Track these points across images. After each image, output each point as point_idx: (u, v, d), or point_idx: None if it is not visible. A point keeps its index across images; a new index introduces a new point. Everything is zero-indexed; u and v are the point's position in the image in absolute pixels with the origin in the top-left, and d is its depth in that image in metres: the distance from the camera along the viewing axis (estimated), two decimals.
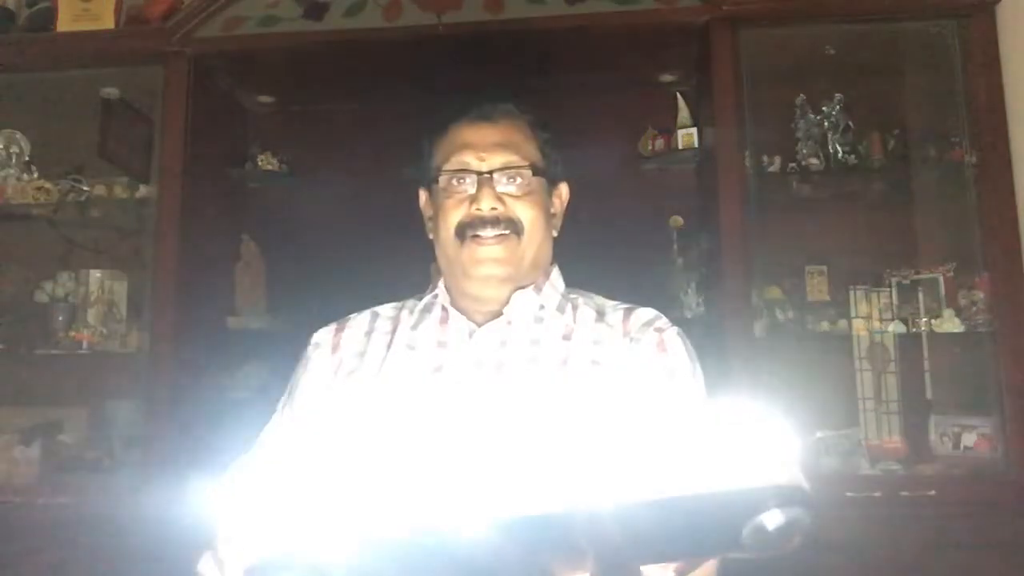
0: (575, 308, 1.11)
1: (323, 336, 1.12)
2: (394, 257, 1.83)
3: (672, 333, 1.07)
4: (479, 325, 1.08)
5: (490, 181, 1.06)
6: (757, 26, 2.06)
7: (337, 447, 0.92)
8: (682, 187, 2.39)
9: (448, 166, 1.08)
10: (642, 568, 0.47)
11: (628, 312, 1.10)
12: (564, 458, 0.43)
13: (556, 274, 1.15)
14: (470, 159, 1.07)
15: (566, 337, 1.07)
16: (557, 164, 1.15)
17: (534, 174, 1.08)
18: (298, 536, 0.43)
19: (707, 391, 1.07)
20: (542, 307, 1.10)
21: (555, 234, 1.15)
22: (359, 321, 1.13)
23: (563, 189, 1.18)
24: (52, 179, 2.25)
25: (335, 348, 1.10)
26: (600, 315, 1.10)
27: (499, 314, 1.08)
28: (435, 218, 1.11)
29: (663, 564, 0.50)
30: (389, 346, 1.08)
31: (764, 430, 0.43)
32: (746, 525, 0.42)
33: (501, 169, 1.07)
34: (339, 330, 1.13)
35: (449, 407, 0.99)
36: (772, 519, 0.42)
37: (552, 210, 1.14)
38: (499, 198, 1.06)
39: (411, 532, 0.42)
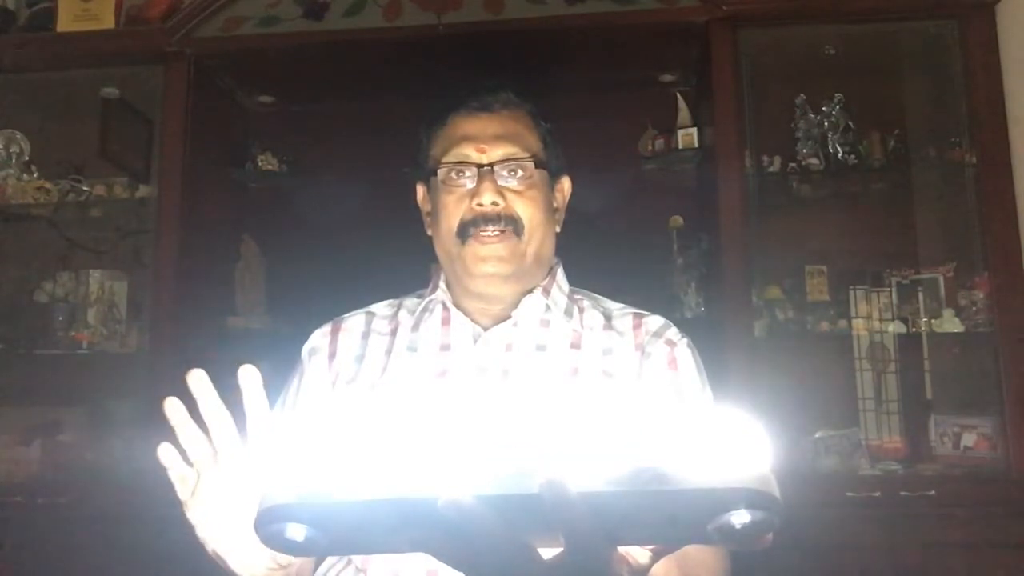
0: (581, 311, 1.09)
1: (318, 341, 1.08)
2: (394, 257, 1.82)
3: (683, 347, 1.05)
4: (484, 328, 1.06)
5: (491, 174, 1.03)
6: (757, 26, 2.07)
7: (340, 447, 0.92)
8: (682, 187, 2.39)
9: (447, 159, 1.05)
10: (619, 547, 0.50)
11: (638, 319, 1.08)
12: (548, 443, 0.46)
13: (561, 274, 1.13)
14: (470, 151, 1.04)
15: (575, 346, 1.04)
16: (559, 156, 1.12)
17: (536, 166, 1.05)
18: (301, 488, 0.46)
19: (708, 390, 1.06)
20: (548, 308, 1.07)
21: (557, 229, 1.12)
22: (354, 322, 1.10)
23: (565, 183, 1.15)
24: (52, 179, 2.25)
25: (332, 356, 1.06)
26: (607, 320, 1.08)
27: (505, 317, 1.06)
28: (434, 214, 1.08)
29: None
30: (389, 350, 1.05)
31: (741, 433, 0.45)
32: (713, 521, 0.45)
33: (502, 161, 1.03)
34: (334, 332, 1.09)
35: (454, 414, 0.97)
36: (739, 518, 0.44)
37: (554, 204, 1.12)
38: (500, 192, 1.02)
39: (404, 494, 0.45)
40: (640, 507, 0.45)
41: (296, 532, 0.46)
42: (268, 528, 0.47)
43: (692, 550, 0.82)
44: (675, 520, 0.46)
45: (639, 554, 0.53)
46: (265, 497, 0.47)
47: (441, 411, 0.97)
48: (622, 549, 0.51)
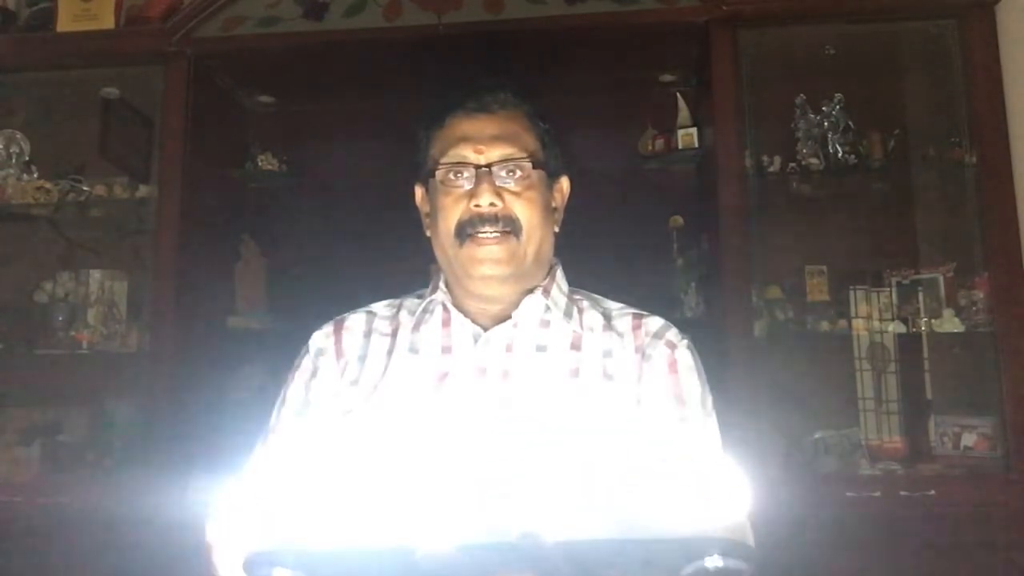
0: (581, 312, 1.09)
1: (324, 341, 1.09)
2: (394, 257, 1.83)
3: (683, 349, 1.05)
4: (484, 328, 1.06)
5: (489, 175, 1.02)
6: (757, 26, 2.06)
7: (340, 456, 0.92)
8: (682, 187, 2.39)
9: (445, 160, 1.05)
10: None
11: (637, 320, 1.08)
12: (538, 483, 0.48)
13: (560, 274, 1.13)
14: (468, 152, 1.04)
15: (575, 346, 1.04)
16: (557, 156, 1.12)
17: (534, 167, 1.05)
18: (289, 533, 0.47)
19: (709, 392, 1.06)
20: (548, 309, 1.07)
21: (556, 229, 1.12)
22: (356, 321, 1.10)
23: (564, 183, 1.15)
24: (52, 179, 2.24)
25: (339, 354, 1.07)
26: (607, 320, 1.08)
27: (505, 317, 1.06)
28: (432, 215, 1.08)
29: None
30: (391, 351, 1.05)
31: (720, 479, 0.47)
32: (687, 567, 0.47)
33: (500, 162, 1.03)
34: (337, 331, 1.09)
35: (456, 417, 0.96)
36: (712, 563, 0.47)
37: (553, 204, 1.11)
38: (498, 193, 1.02)
39: (384, 543, 0.47)
40: (616, 553, 0.47)
41: None
42: (255, 572, 0.49)
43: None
44: (650, 564, 0.47)
45: None
46: (253, 542, 0.49)
47: (442, 414, 0.97)
48: None
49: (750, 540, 0.47)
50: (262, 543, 0.48)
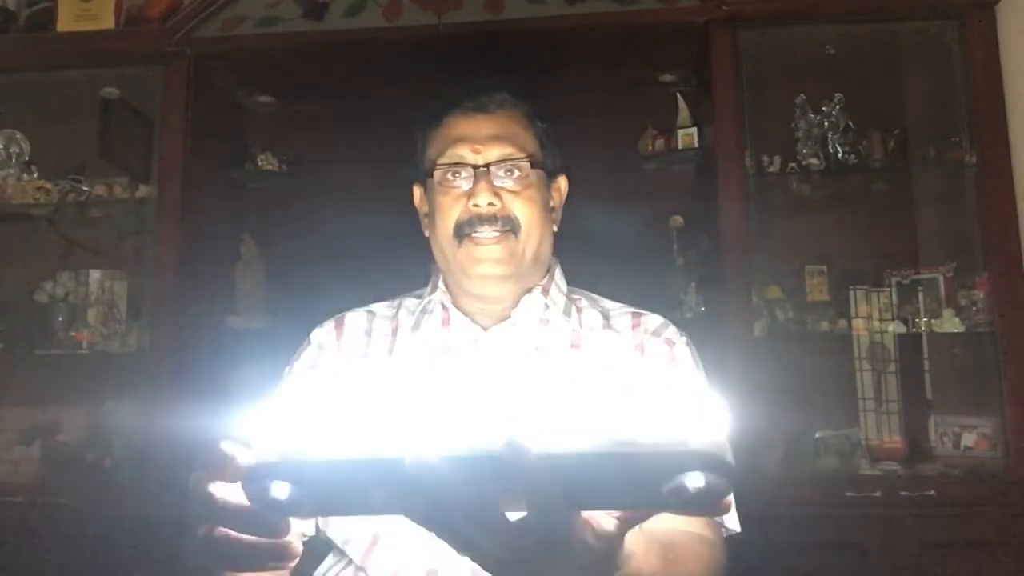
0: (579, 311, 1.09)
1: (325, 337, 1.09)
2: (394, 257, 1.82)
3: (682, 346, 1.06)
4: (484, 328, 1.06)
5: (487, 175, 1.02)
6: (757, 26, 2.06)
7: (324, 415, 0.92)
8: (682, 187, 2.39)
9: (443, 160, 1.04)
10: (584, 513, 0.52)
11: (636, 318, 1.08)
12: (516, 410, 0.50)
13: (559, 273, 1.13)
14: (465, 152, 1.03)
15: (574, 345, 1.05)
16: (555, 156, 1.12)
17: (532, 166, 1.05)
18: (285, 448, 0.50)
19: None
20: (547, 308, 1.07)
21: (555, 228, 1.12)
22: (356, 319, 1.10)
23: (562, 182, 1.15)
24: (52, 179, 2.25)
25: (340, 350, 1.07)
26: (606, 319, 1.08)
27: (504, 316, 1.06)
28: (431, 215, 1.08)
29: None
30: (391, 351, 1.06)
31: (699, 402, 0.48)
32: (667, 484, 0.47)
33: (498, 162, 1.03)
34: (338, 327, 1.10)
35: (455, 417, 0.97)
36: (692, 481, 0.46)
37: (551, 204, 1.11)
38: (496, 193, 1.02)
39: (376, 453, 0.48)
40: (597, 468, 0.47)
41: (280, 491, 0.50)
42: (255, 485, 0.51)
43: (682, 540, 0.81)
44: (631, 482, 0.48)
45: (604, 520, 0.53)
46: (254, 458, 0.51)
47: (441, 413, 0.97)
48: (586, 514, 0.52)
49: (729, 457, 0.46)
50: (259, 458, 0.50)
